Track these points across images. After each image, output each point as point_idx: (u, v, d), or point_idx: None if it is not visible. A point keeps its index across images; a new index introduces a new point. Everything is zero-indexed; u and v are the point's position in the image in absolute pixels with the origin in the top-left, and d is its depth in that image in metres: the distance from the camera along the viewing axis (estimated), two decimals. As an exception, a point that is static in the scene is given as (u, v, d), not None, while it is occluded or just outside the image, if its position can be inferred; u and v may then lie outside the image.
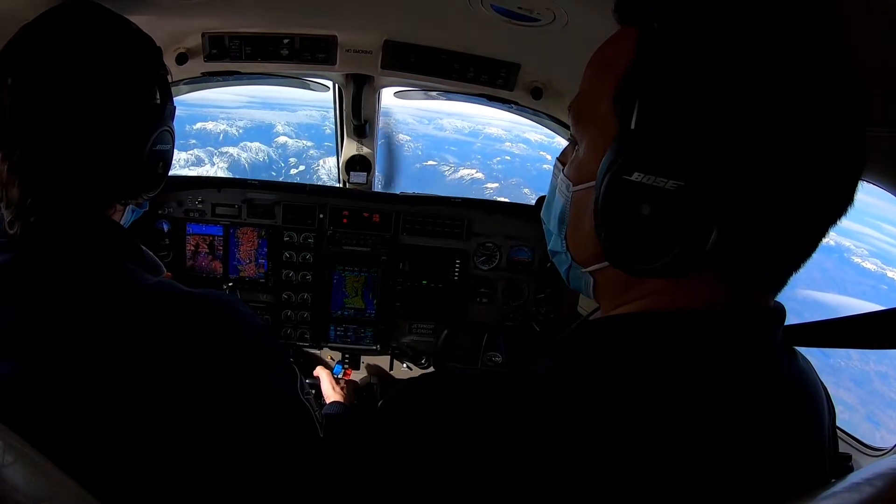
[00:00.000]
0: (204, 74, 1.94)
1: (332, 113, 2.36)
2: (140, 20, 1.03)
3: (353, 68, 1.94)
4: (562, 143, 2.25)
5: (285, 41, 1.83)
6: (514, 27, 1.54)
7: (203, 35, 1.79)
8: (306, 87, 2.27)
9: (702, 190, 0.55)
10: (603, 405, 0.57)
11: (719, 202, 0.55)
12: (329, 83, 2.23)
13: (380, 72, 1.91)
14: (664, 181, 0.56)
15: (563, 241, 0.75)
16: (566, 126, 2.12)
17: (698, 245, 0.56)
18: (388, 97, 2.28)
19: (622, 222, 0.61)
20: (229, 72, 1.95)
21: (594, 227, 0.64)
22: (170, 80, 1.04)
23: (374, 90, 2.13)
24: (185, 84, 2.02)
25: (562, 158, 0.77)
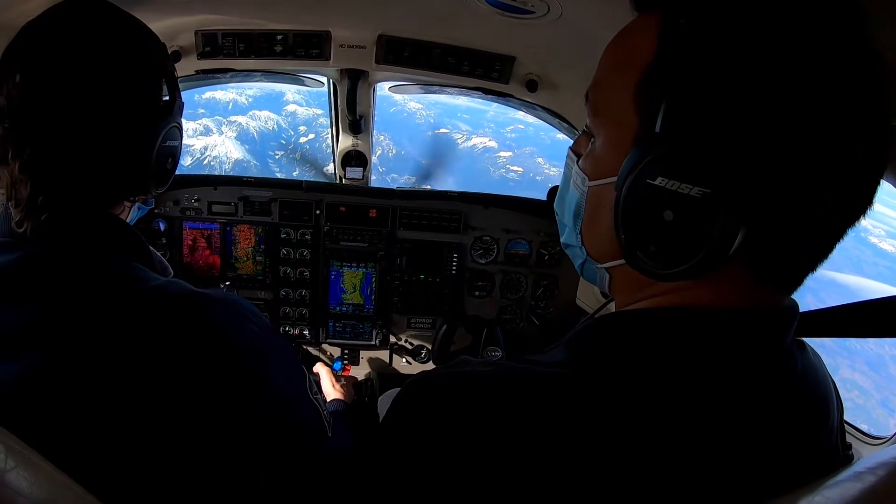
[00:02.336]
0: (198, 72, 1.94)
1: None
2: None
3: (348, 63, 1.93)
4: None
5: (279, 37, 1.82)
6: (508, 20, 1.52)
7: (196, 33, 1.79)
8: (301, 82, 2.25)
9: (730, 197, 0.54)
10: (618, 403, 0.57)
11: (747, 208, 0.54)
12: (324, 79, 2.22)
13: (374, 66, 1.90)
14: (689, 187, 0.55)
15: (578, 236, 0.73)
16: (563, 119, 2.10)
17: (722, 250, 0.55)
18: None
19: (643, 227, 0.60)
20: (224, 69, 1.94)
21: (613, 227, 0.63)
22: (176, 76, 1.03)
23: (369, 85, 2.12)
24: (179, 82, 2.02)
25: (575, 149, 0.74)
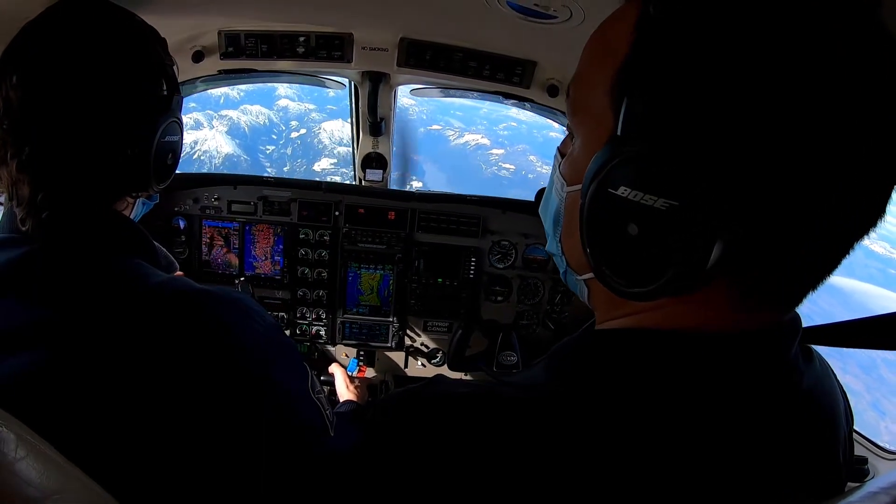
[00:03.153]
0: (221, 72, 1.94)
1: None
2: (156, 18, 1.03)
3: (369, 66, 1.93)
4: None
5: (301, 39, 1.83)
6: (530, 24, 1.52)
7: (219, 33, 1.80)
8: (322, 84, 2.26)
9: (702, 210, 0.48)
10: (590, 433, 0.54)
11: (723, 221, 0.48)
12: (345, 81, 2.22)
13: (396, 69, 1.90)
14: (653, 199, 0.49)
15: (559, 244, 0.69)
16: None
17: (695, 268, 0.49)
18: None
19: (608, 241, 0.55)
20: (246, 69, 1.95)
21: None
22: (176, 72, 1.04)
23: (391, 88, 2.12)
24: (202, 82, 2.02)
25: (562, 149, 0.69)
